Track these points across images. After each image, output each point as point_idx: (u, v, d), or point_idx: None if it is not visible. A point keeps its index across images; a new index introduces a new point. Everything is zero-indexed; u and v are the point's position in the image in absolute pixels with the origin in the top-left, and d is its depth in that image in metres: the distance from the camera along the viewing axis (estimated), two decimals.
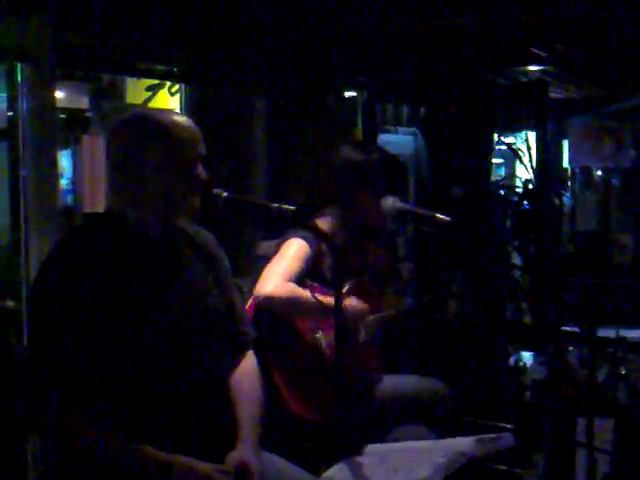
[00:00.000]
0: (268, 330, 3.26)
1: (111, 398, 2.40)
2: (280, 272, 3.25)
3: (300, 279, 3.29)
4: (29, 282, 3.84)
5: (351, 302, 3.38)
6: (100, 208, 5.60)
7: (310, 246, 3.34)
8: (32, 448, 3.87)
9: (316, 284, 3.34)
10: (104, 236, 2.52)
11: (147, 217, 2.53)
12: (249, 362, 2.78)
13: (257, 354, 2.90)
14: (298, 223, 2.99)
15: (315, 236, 3.27)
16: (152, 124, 2.51)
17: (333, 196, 3.59)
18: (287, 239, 3.37)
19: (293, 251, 3.34)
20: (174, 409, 2.44)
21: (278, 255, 3.33)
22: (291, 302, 3.22)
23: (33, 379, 2.44)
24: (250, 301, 3.30)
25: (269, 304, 3.21)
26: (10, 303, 4.08)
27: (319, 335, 3.35)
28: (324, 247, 3.35)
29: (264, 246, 3.60)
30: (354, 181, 3.53)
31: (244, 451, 2.50)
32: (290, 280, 3.24)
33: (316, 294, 3.13)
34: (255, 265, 3.44)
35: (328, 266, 3.39)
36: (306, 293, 3.19)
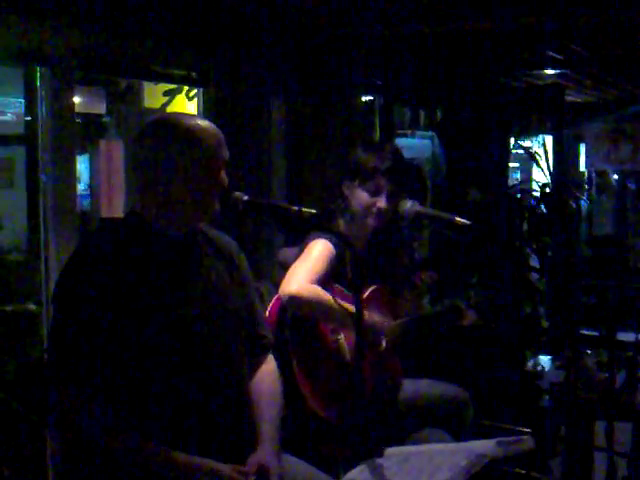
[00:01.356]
0: (291, 330, 3.26)
1: (129, 397, 2.40)
2: (305, 273, 3.25)
3: (324, 280, 3.29)
4: (48, 285, 3.85)
5: (372, 318, 3.38)
6: (117, 213, 5.63)
7: (335, 247, 3.34)
8: (51, 446, 3.88)
9: (339, 286, 3.35)
10: (128, 236, 2.54)
11: (171, 219, 2.55)
12: (269, 366, 2.79)
13: (280, 354, 2.91)
14: (318, 226, 3.00)
15: (337, 239, 3.28)
16: (180, 128, 2.53)
17: (339, 196, 3.60)
18: (312, 240, 3.37)
19: (318, 252, 3.34)
20: (193, 410, 2.45)
21: (303, 255, 3.34)
22: (314, 305, 3.23)
23: (53, 377, 2.45)
24: (273, 301, 3.31)
25: (293, 304, 3.22)
26: (30, 306, 4.10)
27: (341, 337, 3.36)
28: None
29: (285, 252, 3.60)
30: (348, 177, 3.53)
31: (264, 453, 2.51)
32: (315, 281, 3.25)
33: (340, 301, 3.14)
34: (276, 271, 3.44)
35: (351, 268, 3.38)
36: (330, 298, 3.20)
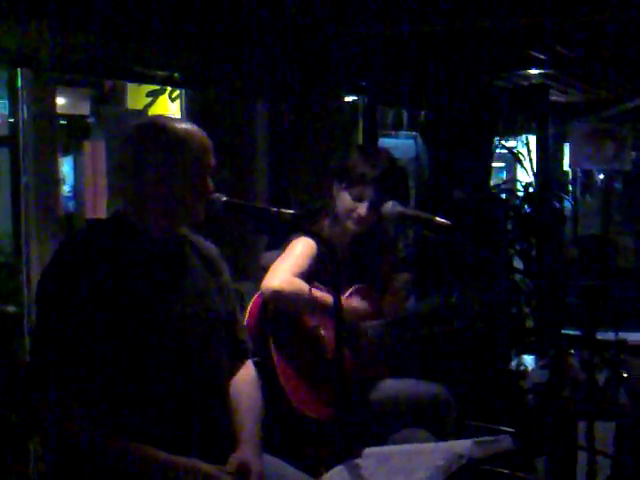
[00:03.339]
0: (272, 327, 3.27)
1: (112, 399, 2.40)
2: (287, 268, 3.27)
3: (307, 277, 3.30)
4: (30, 288, 3.84)
5: (352, 303, 3.40)
6: (102, 214, 5.62)
7: (318, 246, 3.35)
8: (34, 449, 3.87)
9: (318, 284, 3.35)
10: (110, 238, 2.53)
11: (154, 222, 2.54)
12: (248, 370, 2.79)
13: (261, 351, 2.91)
14: (297, 227, 3.00)
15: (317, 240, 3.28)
16: (167, 132, 2.51)
17: (327, 195, 3.61)
18: (295, 238, 3.39)
19: (300, 249, 3.35)
20: (174, 411, 2.45)
21: (286, 252, 3.35)
22: (296, 298, 3.25)
23: (35, 380, 2.44)
24: (254, 298, 3.31)
25: (275, 299, 3.23)
26: (11, 308, 4.09)
27: (323, 333, 3.37)
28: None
29: (268, 257, 3.61)
30: (338, 179, 3.54)
31: (245, 453, 2.50)
32: (297, 276, 3.27)
33: (321, 292, 3.16)
34: (258, 275, 3.44)
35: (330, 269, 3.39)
36: (309, 289, 3.22)
